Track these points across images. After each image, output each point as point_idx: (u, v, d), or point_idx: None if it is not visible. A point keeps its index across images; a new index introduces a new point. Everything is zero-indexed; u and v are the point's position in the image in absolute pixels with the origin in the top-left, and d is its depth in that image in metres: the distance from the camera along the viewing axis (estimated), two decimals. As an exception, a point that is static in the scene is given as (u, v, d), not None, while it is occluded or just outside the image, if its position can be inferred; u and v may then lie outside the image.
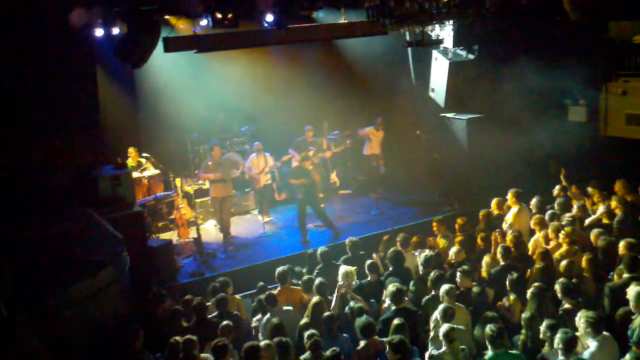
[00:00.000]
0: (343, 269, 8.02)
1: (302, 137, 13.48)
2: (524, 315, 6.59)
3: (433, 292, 7.53)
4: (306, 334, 6.46)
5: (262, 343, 6.55)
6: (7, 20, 8.21)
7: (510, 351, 6.18)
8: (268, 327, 7.07)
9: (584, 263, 7.67)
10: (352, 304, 7.45)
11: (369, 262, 8.54)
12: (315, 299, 7.37)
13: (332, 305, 7.63)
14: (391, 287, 7.21)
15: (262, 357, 6.30)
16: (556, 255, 8.22)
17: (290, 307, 7.71)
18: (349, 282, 7.88)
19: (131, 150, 12.62)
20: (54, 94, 9.09)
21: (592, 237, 8.45)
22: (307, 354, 6.36)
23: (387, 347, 6.08)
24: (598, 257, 7.91)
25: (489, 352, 6.12)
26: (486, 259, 8.40)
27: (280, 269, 8.35)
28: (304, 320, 7.20)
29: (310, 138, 13.48)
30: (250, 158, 12.87)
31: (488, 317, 6.70)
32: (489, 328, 6.14)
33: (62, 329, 7.05)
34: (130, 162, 12.52)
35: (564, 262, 7.61)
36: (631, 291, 6.38)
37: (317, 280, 8.02)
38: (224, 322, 7.17)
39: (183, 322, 7.68)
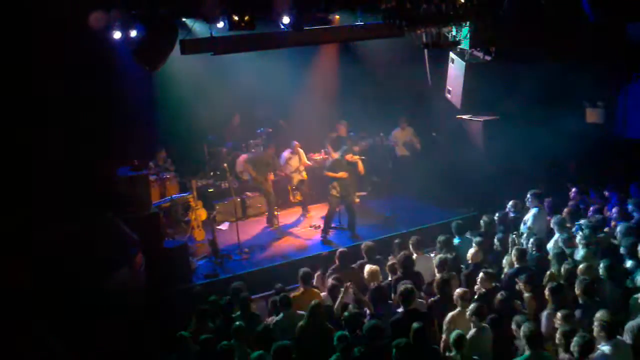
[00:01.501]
0: (368, 268, 8.06)
1: (336, 133, 13.50)
2: (560, 314, 6.51)
3: (438, 296, 7.52)
4: (336, 335, 6.45)
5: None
6: (27, 22, 8.28)
7: (543, 352, 6.14)
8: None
9: (602, 269, 7.59)
10: (350, 307, 7.45)
11: (389, 262, 8.53)
12: (314, 301, 7.35)
13: (336, 306, 7.62)
14: (401, 288, 7.19)
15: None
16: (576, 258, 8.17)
17: (303, 312, 7.67)
18: (370, 282, 7.89)
19: (162, 153, 13.07)
20: (72, 95, 9.16)
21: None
22: (334, 356, 6.35)
23: (394, 350, 6.06)
24: (618, 262, 7.83)
25: (526, 352, 6.06)
26: (508, 259, 8.37)
27: (303, 269, 8.35)
28: (302, 323, 7.19)
29: (344, 133, 13.48)
30: (284, 156, 12.89)
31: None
32: (526, 327, 6.10)
33: (78, 330, 7.10)
34: (159, 161, 13.02)
35: (582, 266, 7.56)
36: None
37: (329, 283, 8.03)
38: (236, 324, 7.18)
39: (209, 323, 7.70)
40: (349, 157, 11.66)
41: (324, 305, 7.38)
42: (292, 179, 12.97)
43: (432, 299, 7.56)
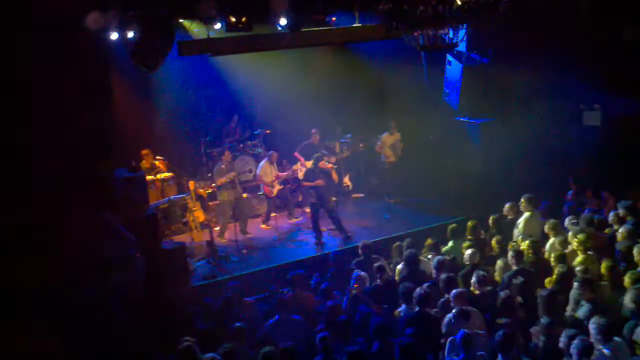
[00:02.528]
0: (357, 272, 8.06)
1: (308, 141, 13.47)
2: (542, 321, 6.53)
3: (446, 296, 7.52)
4: (318, 336, 6.47)
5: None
6: (22, 21, 8.26)
7: (523, 357, 6.15)
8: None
9: (602, 269, 7.61)
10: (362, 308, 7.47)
11: (376, 264, 8.54)
12: (331, 303, 7.37)
13: (345, 309, 7.63)
14: (419, 290, 7.20)
15: None
16: (574, 263, 8.18)
17: (297, 316, 7.65)
18: (362, 286, 7.89)
19: (145, 152, 12.72)
20: (68, 96, 9.14)
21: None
22: (319, 358, 6.35)
23: (397, 349, 6.07)
24: (617, 264, 7.85)
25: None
26: (499, 263, 8.38)
27: (292, 272, 8.35)
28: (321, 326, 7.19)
29: (317, 141, 13.46)
30: (262, 165, 12.86)
31: (500, 324, 6.68)
32: (497, 335, 6.12)
33: (76, 331, 7.09)
34: (144, 164, 12.59)
35: (579, 268, 7.60)
36: None
37: (324, 285, 8.04)
38: (236, 325, 7.17)
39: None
40: (322, 164, 11.75)
41: (339, 307, 7.39)
42: (272, 188, 12.93)
43: (442, 300, 7.56)
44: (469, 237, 9.41)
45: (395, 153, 13.84)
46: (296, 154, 13.34)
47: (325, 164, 11.80)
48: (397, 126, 13.82)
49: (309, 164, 12.46)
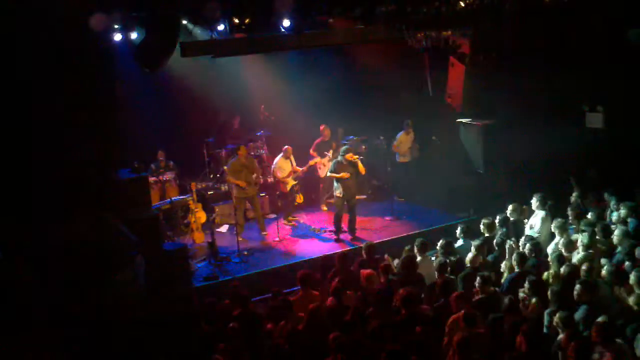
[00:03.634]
0: (365, 272, 8.07)
1: (319, 138, 13.49)
2: (559, 315, 6.51)
3: (442, 299, 7.51)
4: (332, 336, 6.45)
5: None
6: (26, 22, 8.27)
7: None
8: None
9: (603, 271, 7.60)
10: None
11: (383, 264, 8.54)
12: (313, 305, 7.36)
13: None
14: (402, 291, 7.20)
15: None
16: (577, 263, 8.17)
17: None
18: (371, 286, 7.91)
19: (161, 154, 13.13)
20: (72, 96, 9.15)
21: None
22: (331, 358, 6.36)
23: (386, 355, 6.07)
24: (618, 265, 7.84)
25: None
26: (507, 263, 8.37)
27: (301, 271, 8.34)
28: (300, 326, 7.20)
29: (328, 137, 13.45)
30: (276, 161, 12.88)
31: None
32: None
33: (78, 332, 7.09)
34: (162, 164, 13.10)
35: (582, 268, 7.58)
36: None
37: (333, 285, 8.04)
38: (230, 325, 7.15)
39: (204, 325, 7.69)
40: (348, 156, 11.71)
41: (325, 308, 7.39)
42: (286, 184, 12.93)
43: (437, 303, 7.55)
44: (486, 235, 9.38)
45: (411, 153, 13.87)
46: (312, 152, 13.34)
47: (352, 156, 11.76)
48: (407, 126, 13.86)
49: (324, 161, 12.49)
